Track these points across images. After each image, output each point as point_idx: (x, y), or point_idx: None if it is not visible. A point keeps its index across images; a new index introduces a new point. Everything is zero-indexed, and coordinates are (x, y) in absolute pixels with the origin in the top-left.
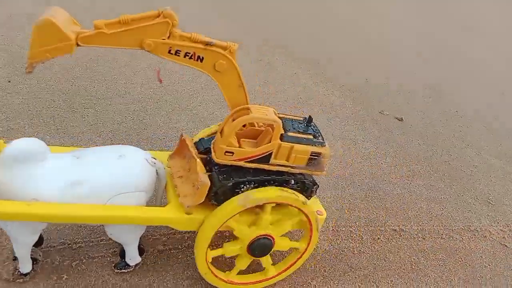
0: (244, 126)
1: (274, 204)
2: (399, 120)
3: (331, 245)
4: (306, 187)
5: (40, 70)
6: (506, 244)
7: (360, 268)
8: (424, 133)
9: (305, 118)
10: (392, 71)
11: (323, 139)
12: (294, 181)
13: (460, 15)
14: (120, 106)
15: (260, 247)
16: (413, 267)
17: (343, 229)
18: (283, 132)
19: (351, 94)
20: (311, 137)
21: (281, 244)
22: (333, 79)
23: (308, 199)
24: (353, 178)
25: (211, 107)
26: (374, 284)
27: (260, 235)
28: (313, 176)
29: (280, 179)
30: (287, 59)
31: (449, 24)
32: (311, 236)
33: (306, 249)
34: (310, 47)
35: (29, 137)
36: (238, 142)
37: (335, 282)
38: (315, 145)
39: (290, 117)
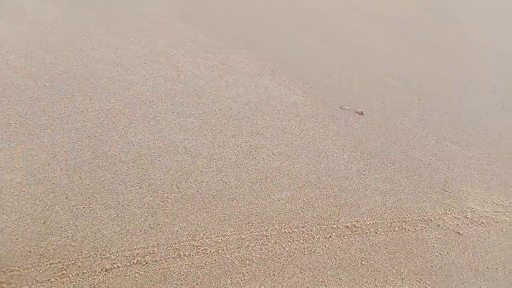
0: None
1: None
2: (360, 114)
3: (282, 247)
4: None
5: None
6: (459, 231)
7: (310, 268)
8: (384, 125)
9: None
10: (355, 64)
11: None
12: None
13: (428, 2)
14: (77, 124)
15: None
16: (363, 263)
17: (296, 230)
18: None
19: (313, 92)
20: None
21: None
22: (296, 77)
23: None
24: (309, 177)
25: (170, 117)
26: (323, 284)
27: None
28: None
29: None
30: (251, 60)
31: (415, 12)
32: None
33: None
34: (275, 45)
35: None
36: None
37: (283, 286)
38: None
39: None
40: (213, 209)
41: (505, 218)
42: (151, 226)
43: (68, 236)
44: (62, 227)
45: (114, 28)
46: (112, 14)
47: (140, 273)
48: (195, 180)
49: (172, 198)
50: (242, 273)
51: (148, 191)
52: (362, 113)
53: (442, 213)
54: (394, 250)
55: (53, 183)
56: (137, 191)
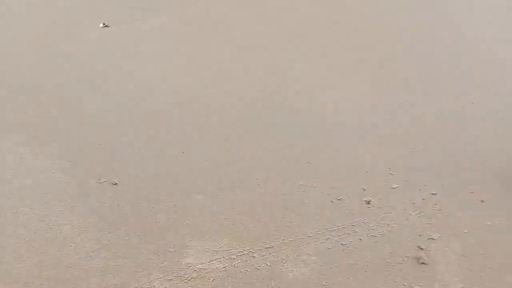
0: None
1: None
2: (114, 184)
3: None
4: None
5: None
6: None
7: None
8: (135, 190)
9: None
10: (125, 130)
11: None
12: None
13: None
14: None
15: None
16: None
17: None
18: None
19: (75, 170)
20: None
21: None
22: (61, 155)
23: None
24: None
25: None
26: None
27: None
28: None
29: None
30: None
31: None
32: None
33: None
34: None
35: None
36: None
37: None
38: None
39: None
40: None
41: (217, 265)
42: None
43: None
44: None
45: None
46: None
47: None
48: None
49: None
50: None
51: None
52: (116, 184)
53: (156, 278)
54: None
55: None
56: None
